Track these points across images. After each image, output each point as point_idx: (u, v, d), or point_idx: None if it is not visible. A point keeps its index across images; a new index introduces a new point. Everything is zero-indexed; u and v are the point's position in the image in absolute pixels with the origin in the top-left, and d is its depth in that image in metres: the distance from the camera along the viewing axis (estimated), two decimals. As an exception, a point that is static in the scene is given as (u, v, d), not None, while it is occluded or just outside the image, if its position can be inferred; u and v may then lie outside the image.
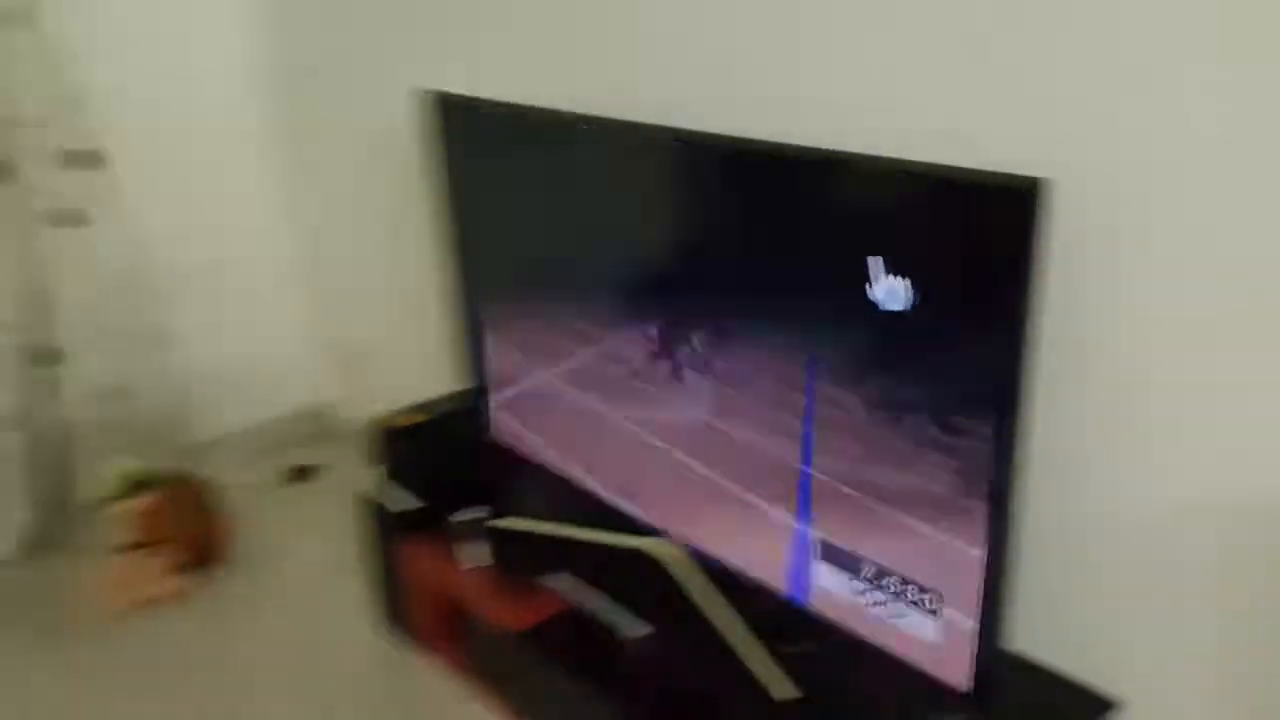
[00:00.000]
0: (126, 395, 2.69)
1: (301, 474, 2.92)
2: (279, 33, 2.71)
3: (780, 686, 1.54)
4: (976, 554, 1.28)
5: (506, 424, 2.06)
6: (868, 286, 1.29)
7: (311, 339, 3.09)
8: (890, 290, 1.27)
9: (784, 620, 1.57)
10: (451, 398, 2.18)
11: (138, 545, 2.43)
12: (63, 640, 2.30)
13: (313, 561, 2.55)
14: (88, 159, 2.48)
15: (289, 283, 3.00)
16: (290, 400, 3.09)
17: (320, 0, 2.54)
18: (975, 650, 1.33)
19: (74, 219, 2.51)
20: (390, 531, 2.15)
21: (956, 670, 1.36)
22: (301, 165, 2.86)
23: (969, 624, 1.32)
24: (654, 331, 1.62)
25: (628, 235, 1.62)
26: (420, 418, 2.13)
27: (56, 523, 2.66)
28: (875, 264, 1.27)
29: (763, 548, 1.58)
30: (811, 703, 1.52)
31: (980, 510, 1.26)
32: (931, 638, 1.38)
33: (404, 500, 2.12)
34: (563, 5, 1.92)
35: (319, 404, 3.15)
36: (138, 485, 2.47)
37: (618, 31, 1.83)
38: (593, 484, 1.89)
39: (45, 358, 2.58)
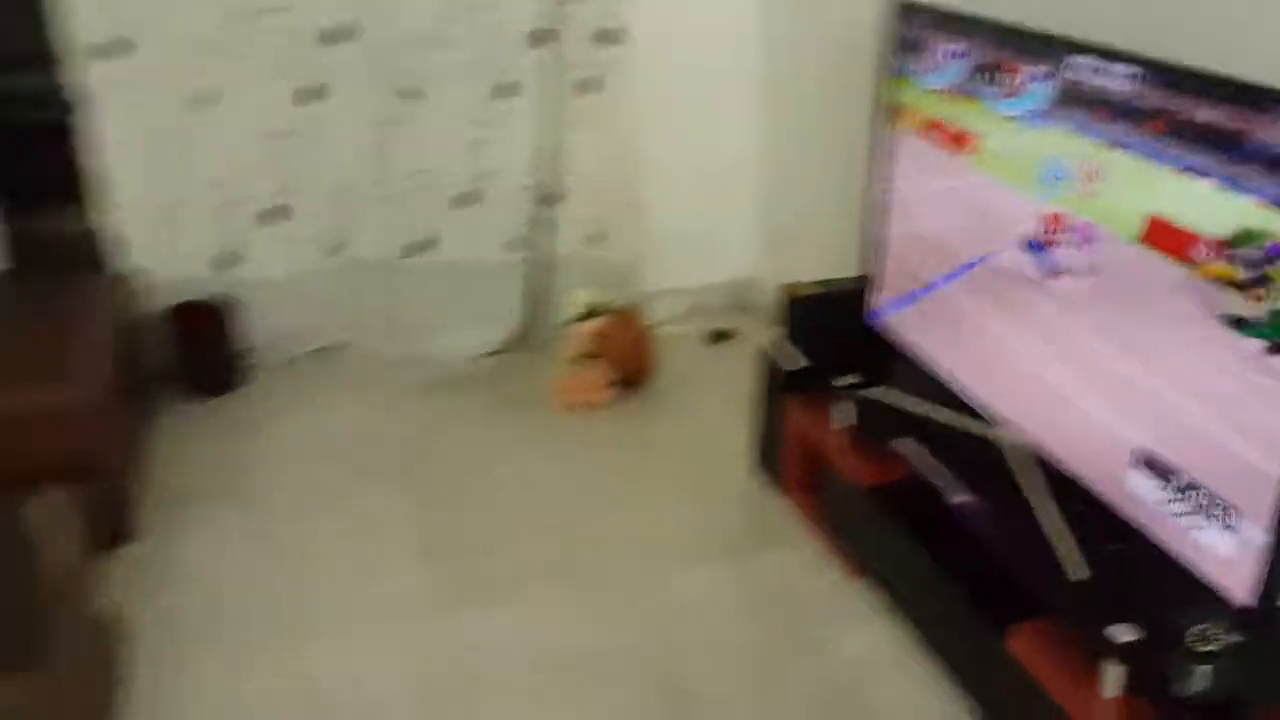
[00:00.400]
0: (602, 240, 3.30)
1: (722, 336, 3.39)
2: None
3: (1077, 568, 1.70)
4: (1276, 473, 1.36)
5: (889, 307, 2.31)
6: None
7: (752, 221, 3.52)
8: None
9: (1094, 516, 1.71)
10: (850, 281, 2.47)
11: (585, 357, 3.03)
12: (522, 417, 2.97)
13: (712, 404, 3.01)
14: (613, 35, 3.05)
15: (743, 169, 3.43)
16: (726, 271, 3.56)
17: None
18: (1265, 569, 1.40)
19: (594, 86, 3.10)
20: (778, 385, 2.52)
21: (1241, 584, 1.44)
22: (771, 67, 3.24)
23: (1261, 540, 1.40)
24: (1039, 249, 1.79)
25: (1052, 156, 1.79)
26: (818, 290, 2.45)
27: (533, 330, 3.37)
28: None
29: (1091, 451, 1.72)
30: (1100, 588, 1.66)
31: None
32: (1224, 551, 1.47)
33: (794, 360, 2.46)
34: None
35: (749, 278, 3.59)
36: (593, 312, 3.07)
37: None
38: (954, 372, 2.10)
39: (549, 199, 3.24)
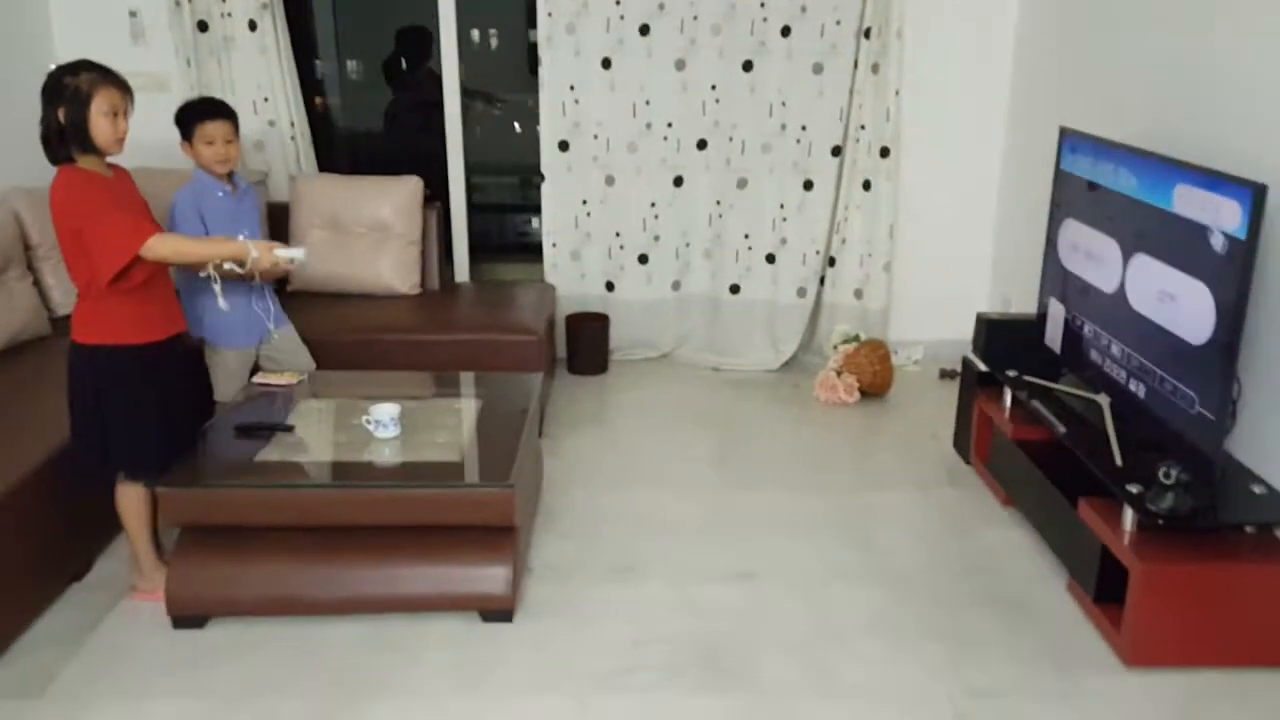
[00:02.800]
0: (863, 294, 4.55)
1: (951, 374, 4.48)
2: (1022, 91, 4.31)
3: (1120, 460, 2.71)
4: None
5: (1049, 326, 3.39)
6: None
7: (983, 287, 4.63)
8: None
9: (1137, 428, 2.73)
10: (1030, 314, 3.56)
11: (839, 371, 4.26)
12: (792, 406, 4.24)
13: (932, 411, 4.14)
14: (886, 150, 4.36)
15: (977, 248, 4.60)
16: (961, 329, 4.65)
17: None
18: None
19: (870, 184, 4.43)
20: (972, 382, 3.62)
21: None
22: (1004, 175, 4.43)
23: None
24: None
25: (1116, 207, 2.90)
26: (1004, 318, 3.57)
27: (806, 354, 4.66)
28: None
29: (1145, 393, 2.75)
30: (1129, 468, 2.67)
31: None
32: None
33: (983, 363, 3.57)
34: None
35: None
36: (850, 340, 4.32)
37: None
38: (1075, 360, 3.16)
39: (828, 261, 4.55)
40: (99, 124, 2.44)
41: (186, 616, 2.64)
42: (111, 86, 2.46)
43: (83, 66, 2.46)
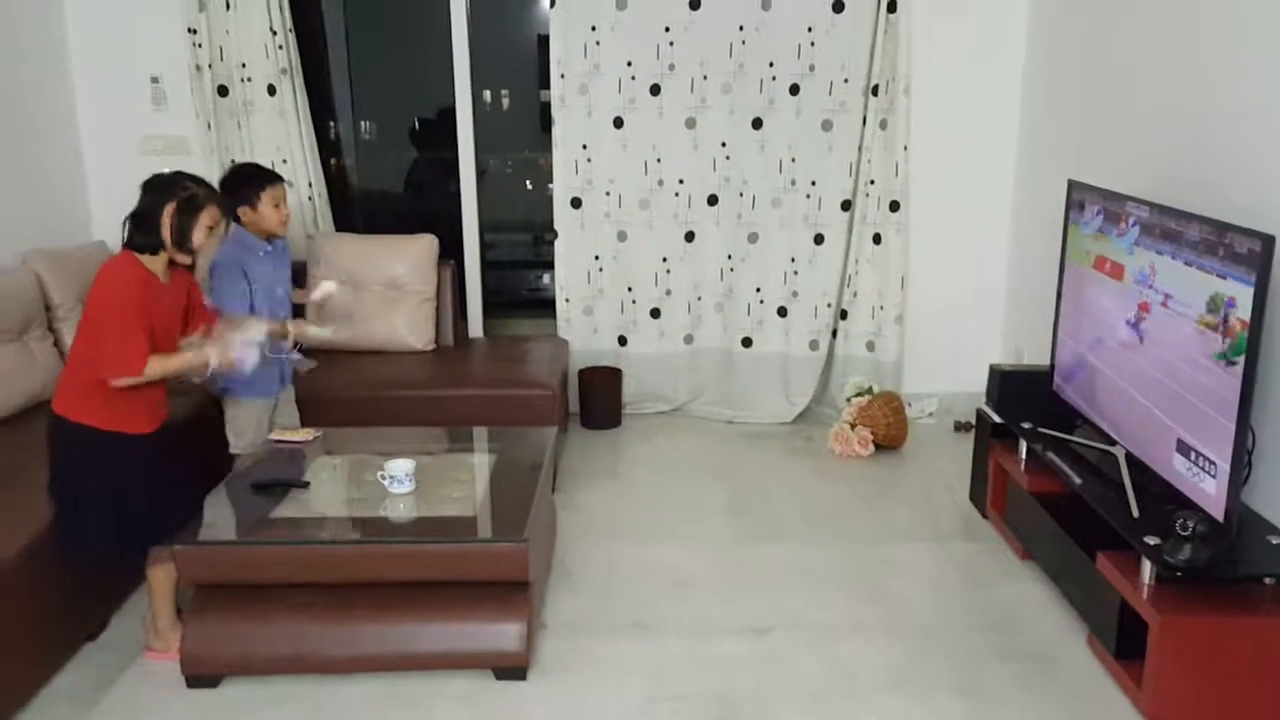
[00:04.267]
0: (875, 346, 4.56)
1: (965, 426, 4.47)
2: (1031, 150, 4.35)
3: (1137, 512, 2.69)
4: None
5: (1061, 377, 3.38)
6: None
7: (995, 340, 4.63)
8: None
9: (1151, 484, 2.72)
10: (1041, 365, 3.56)
11: (853, 424, 4.25)
12: (806, 459, 4.23)
13: (947, 464, 4.12)
14: (895, 205, 4.40)
15: (988, 301, 4.61)
16: (974, 381, 4.65)
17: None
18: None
19: (880, 238, 4.46)
20: (986, 434, 3.61)
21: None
22: (1013, 231, 4.45)
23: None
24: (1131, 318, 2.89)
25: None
26: (1016, 369, 3.56)
27: (820, 406, 4.65)
28: None
29: (1156, 445, 2.74)
30: (1146, 520, 2.65)
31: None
32: (1211, 491, 2.46)
33: (997, 415, 3.57)
34: None
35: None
36: (863, 392, 4.32)
37: None
38: (1090, 413, 3.15)
39: (840, 314, 4.57)
40: (198, 235, 2.60)
41: (201, 676, 2.63)
42: (218, 207, 2.66)
43: (202, 181, 2.66)
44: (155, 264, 2.59)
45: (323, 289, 3.30)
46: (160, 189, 2.57)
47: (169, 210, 2.54)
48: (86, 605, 2.85)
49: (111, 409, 2.59)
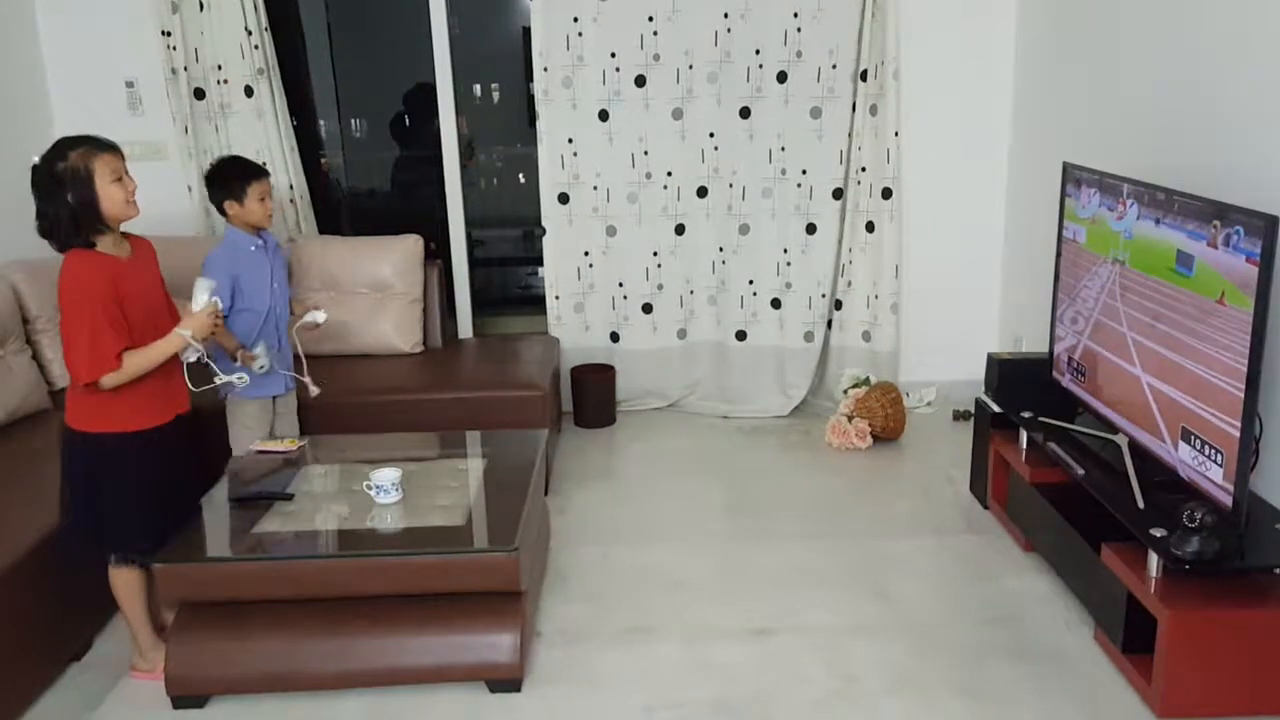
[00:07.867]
0: (871, 336, 4.49)
1: (964, 415, 4.40)
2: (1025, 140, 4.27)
3: (1142, 503, 2.63)
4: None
5: (1060, 366, 3.32)
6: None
7: (992, 327, 4.56)
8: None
9: (1154, 471, 2.65)
10: (1039, 354, 3.49)
11: (850, 416, 4.18)
12: (804, 453, 4.16)
13: (946, 455, 4.06)
14: (888, 192, 4.32)
15: (984, 288, 4.54)
16: (972, 369, 4.57)
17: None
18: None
19: (872, 226, 4.38)
20: (986, 424, 3.54)
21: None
22: (1008, 218, 4.37)
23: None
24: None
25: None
26: (1015, 357, 3.50)
27: (816, 399, 4.58)
28: None
29: (1159, 434, 2.67)
30: (1152, 511, 2.58)
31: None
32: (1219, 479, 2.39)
33: (996, 404, 3.50)
34: None
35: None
36: (860, 384, 4.25)
37: None
38: (1092, 401, 3.08)
39: (835, 305, 4.50)
40: (109, 193, 2.35)
41: (186, 696, 2.57)
42: (104, 152, 2.38)
43: (66, 145, 2.36)
44: (107, 245, 2.42)
45: (311, 316, 3.18)
46: (44, 186, 2.34)
47: (70, 199, 2.31)
48: (70, 626, 2.78)
49: (114, 409, 2.48)
